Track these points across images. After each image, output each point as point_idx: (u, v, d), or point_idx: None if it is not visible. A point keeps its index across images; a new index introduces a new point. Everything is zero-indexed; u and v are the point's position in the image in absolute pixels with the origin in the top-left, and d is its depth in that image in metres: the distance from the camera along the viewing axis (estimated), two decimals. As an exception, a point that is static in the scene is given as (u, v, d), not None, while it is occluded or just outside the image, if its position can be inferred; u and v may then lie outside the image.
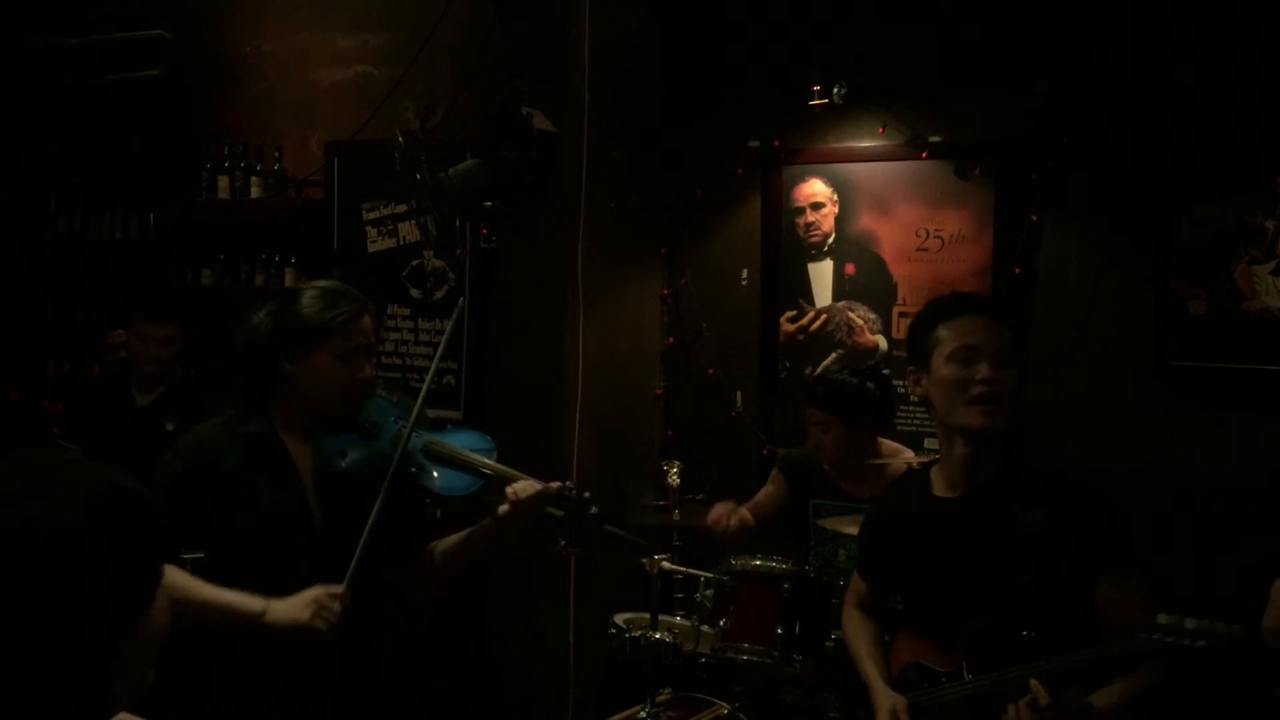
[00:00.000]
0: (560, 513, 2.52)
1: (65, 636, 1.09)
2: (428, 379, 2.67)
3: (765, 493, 3.91)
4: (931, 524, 2.40)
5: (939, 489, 2.42)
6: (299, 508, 2.44)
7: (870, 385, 3.60)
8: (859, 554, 2.72)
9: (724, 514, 3.66)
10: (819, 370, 4.28)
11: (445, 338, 2.74)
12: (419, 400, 2.52)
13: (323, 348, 2.44)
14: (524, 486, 2.50)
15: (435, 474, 2.52)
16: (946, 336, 2.32)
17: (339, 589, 2.34)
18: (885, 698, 2.41)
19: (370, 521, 2.37)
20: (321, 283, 2.56)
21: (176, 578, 2.24)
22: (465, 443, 2.59)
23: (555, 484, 2.52)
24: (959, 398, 2.27)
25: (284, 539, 2.42)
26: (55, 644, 1.09)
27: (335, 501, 2.46)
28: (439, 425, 2.64)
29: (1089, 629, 2.19)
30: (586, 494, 2.55)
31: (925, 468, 2.54)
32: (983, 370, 2.26)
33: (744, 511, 3.73)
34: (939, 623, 2.37)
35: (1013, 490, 2.30)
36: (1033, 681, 2.07)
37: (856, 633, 2.63)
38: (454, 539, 2.64)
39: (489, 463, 2.55)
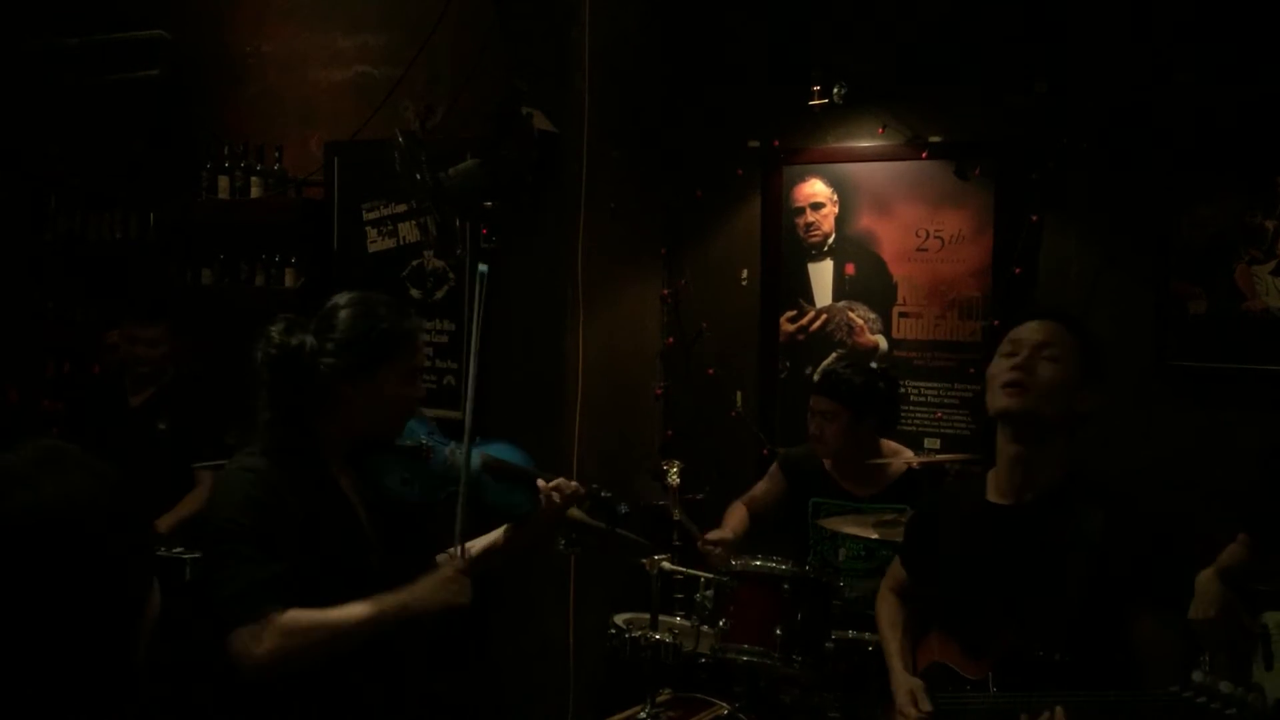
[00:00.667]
0: (584, 513, 2.50)
1: (93, 609, 1.13)
2: (468, 387, 2.50)
3: (763, 488, 3.90)
4: (980, 530, 2.38)
5: (993, 494, 2.40)
6: (361, 544, 2.25)
7: (881, 384, 3.64)
8: (904, 543, 2.73)
9: (717, 542, 3.61)
10: (822, 369, 4.28)
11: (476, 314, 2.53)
12: (467, 418, 2.37)
13: (388, 367, 2.26)
14: (563, 484, 2.44)
15: (500, 493, 2.45)
16: (1002, 343, 2.40)
17: (460, 561, 2.26)
18: (904, 679, 2.42)
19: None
20: (354, 294, 2.32)
21: (300, 616, 2.06)
22: (508, 455, 2.52)
23: (580, 485, 2.49)
24: (994, 385, 2.34)
25: (347, 579, 2.17)
26: (88, 615, 1.13)
27: (391, 532, 2.32)
28: (472, 438, 2.47)
29: (1122, 659, 2.19)
30: (606, 493, 2.53)
31: (983, 471, 2.52)
32: (1017, 360, 2.31)
33: (728, 535, 3.68)
34: (972, 630, 2.36)
35: (1068, 506, 2.28)
36: (1058, 709, 2.09)
37: (888, 616, 2.64)
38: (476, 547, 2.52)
39: (542, 473, 2.49)
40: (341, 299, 2.31)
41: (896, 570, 2.70)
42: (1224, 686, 1.95)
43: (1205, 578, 2.79)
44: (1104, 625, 2.20)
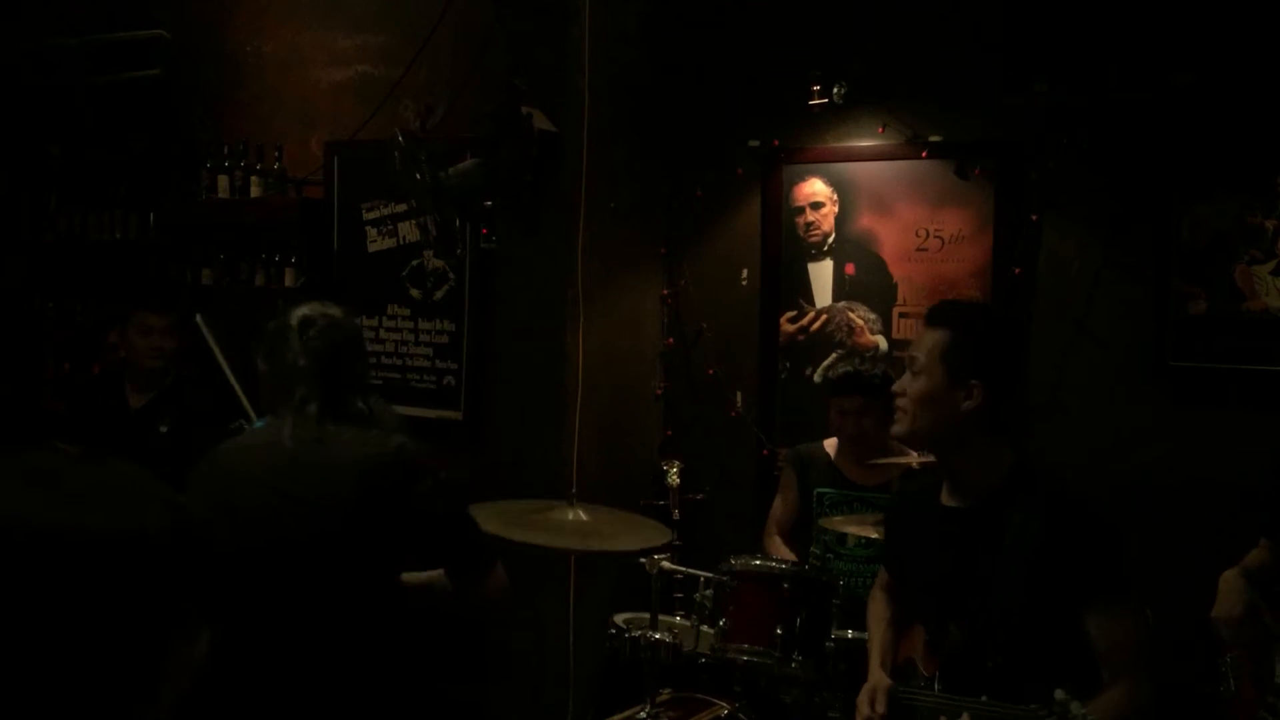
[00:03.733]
0: None
1: (132, 634, 1.12)
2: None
3: (782, 507, 3.95)
4: (931, 530, 2.42)
5: (945, 495, 2.43)
6: None
7: (884, 371, 3.76)
8: (884, 541, 2.79)
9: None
10: (823, 369, 4.28)
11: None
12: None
13: None
14: None
15: None
16: None
17: None
18: (873, 676, 2.49)
19: None
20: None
21: None
22: None
23: None
24: None
25: None
26: (125, 640, 1.12)
27: None
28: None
29: (1072, 656, 2.20)
30: None
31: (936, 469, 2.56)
32: (902, 379, 2.40)
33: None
34: (932, 628, 2.43)
35: (1010, 506, 2.28)
36: (965, 715, 2.17)
37: (874, 613, 2.71)
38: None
39: None
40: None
41: (884, 570, 2.77)
42: (1074, 706, 1.97)
43: (1229, 577, 2.79)
44: (1046, 628, 2.21)
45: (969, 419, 2.28)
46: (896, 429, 2.37)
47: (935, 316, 2.40)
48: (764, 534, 3.97)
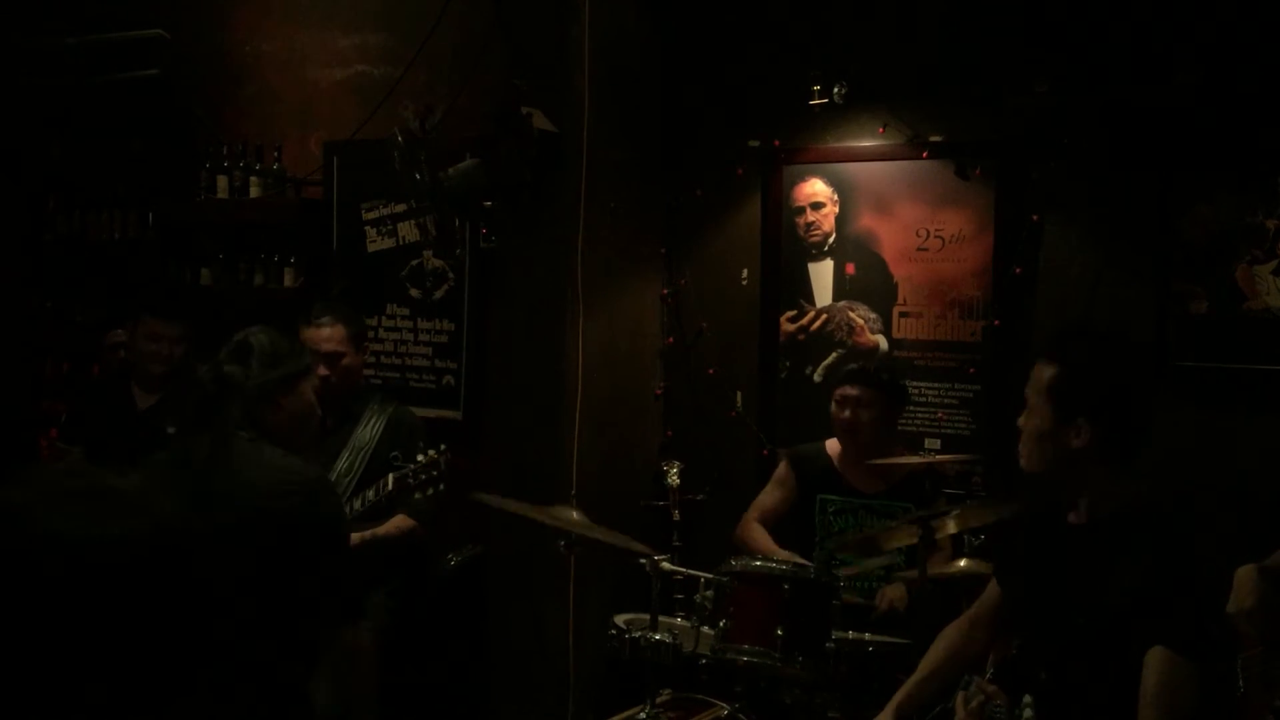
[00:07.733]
0: None
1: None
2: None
3: (774, 499, 3.94)
4: (1045, 543, 2.38)
5: (1070, 512, 2.36)
6: None
7: (901, 382, 3.85)
8: (995, 555, 2.75)
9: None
10: (823, 368, 4.27)
11: None
12: None
13: None
14: None
15: None
16: None
17: None
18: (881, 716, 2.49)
19: None
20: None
21: None
22: None
23: None
24: None
25: None
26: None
27: None
28: None
29: (1117, 693, 2.12)
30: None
31: (984, 472, 2.58)
32: (1020, 417, 2.36)
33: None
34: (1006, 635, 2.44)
35: (1119, 534, 2.22)
36: None
37: (930, 652, 2.59)
38: None
39: None
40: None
41: (987, 594, 2.63)
42: None
43: (1245, 571, 2.78)
44: (1110, 658, 2.15)
45: (1082, 455, 2.25)
46: (1021, 464, 2.35)
47: (1048, 350, 2.37)
48: (742, 521, 3.90)
